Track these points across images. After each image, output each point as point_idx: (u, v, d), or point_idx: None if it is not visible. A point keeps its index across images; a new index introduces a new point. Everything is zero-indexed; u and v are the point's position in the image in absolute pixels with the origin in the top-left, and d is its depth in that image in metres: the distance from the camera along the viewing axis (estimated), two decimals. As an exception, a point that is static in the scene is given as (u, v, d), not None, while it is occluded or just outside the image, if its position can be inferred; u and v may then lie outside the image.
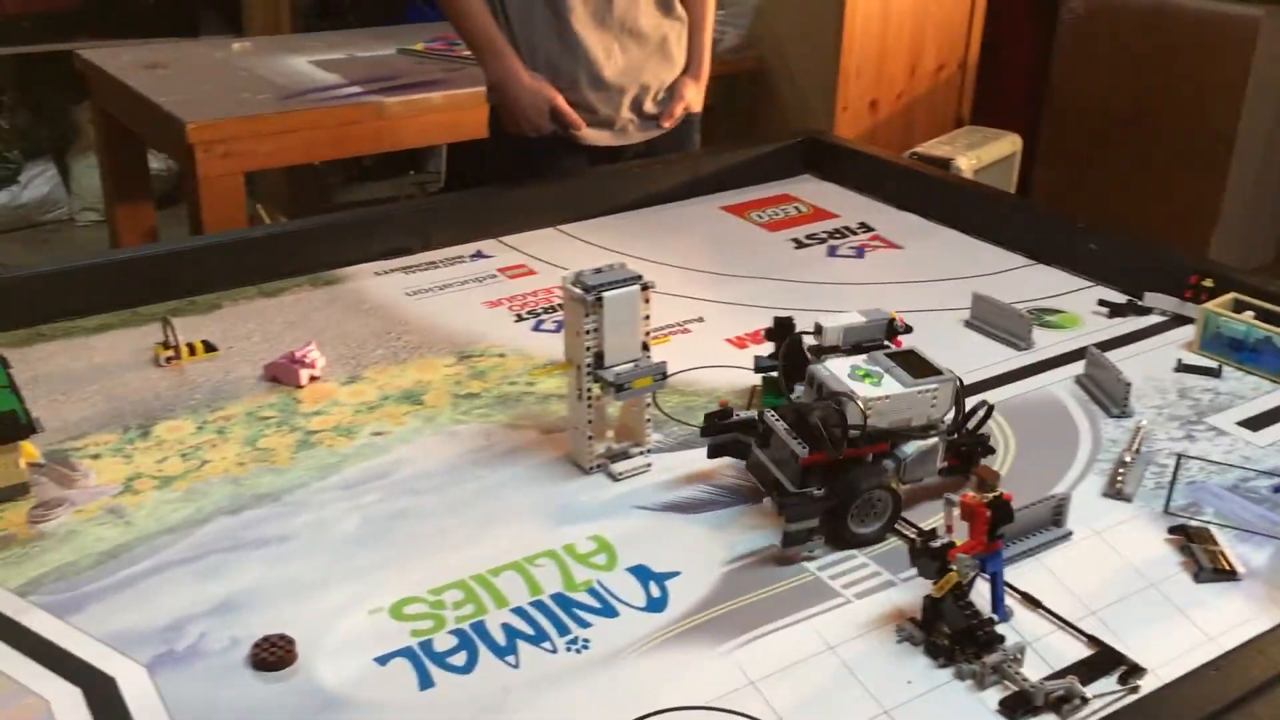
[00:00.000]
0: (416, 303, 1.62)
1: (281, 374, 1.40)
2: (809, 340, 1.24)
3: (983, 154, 2.79)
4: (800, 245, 1.86)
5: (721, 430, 1.18)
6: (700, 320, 1.58)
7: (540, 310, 1.60)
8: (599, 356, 1.20)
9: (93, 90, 3.11)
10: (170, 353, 1.43)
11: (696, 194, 2.04)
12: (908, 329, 1.24)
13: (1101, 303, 1.64)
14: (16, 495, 1.14)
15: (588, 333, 1.18)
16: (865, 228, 1.92)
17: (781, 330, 1.33)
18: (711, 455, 1.19)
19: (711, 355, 1.47)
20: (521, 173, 2.06)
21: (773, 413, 1.13)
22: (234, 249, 1.73)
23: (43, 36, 4.13)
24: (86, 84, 3.11)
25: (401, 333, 1.53)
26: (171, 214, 3.94)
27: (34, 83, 4.34)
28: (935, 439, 1.13)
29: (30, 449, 1.17)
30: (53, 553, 1.08)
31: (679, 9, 2.09)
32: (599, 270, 1.21)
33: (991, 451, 1.20)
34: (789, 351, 1.32)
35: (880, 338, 1.23)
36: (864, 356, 1.16)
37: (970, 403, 1.19)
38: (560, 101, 2.03)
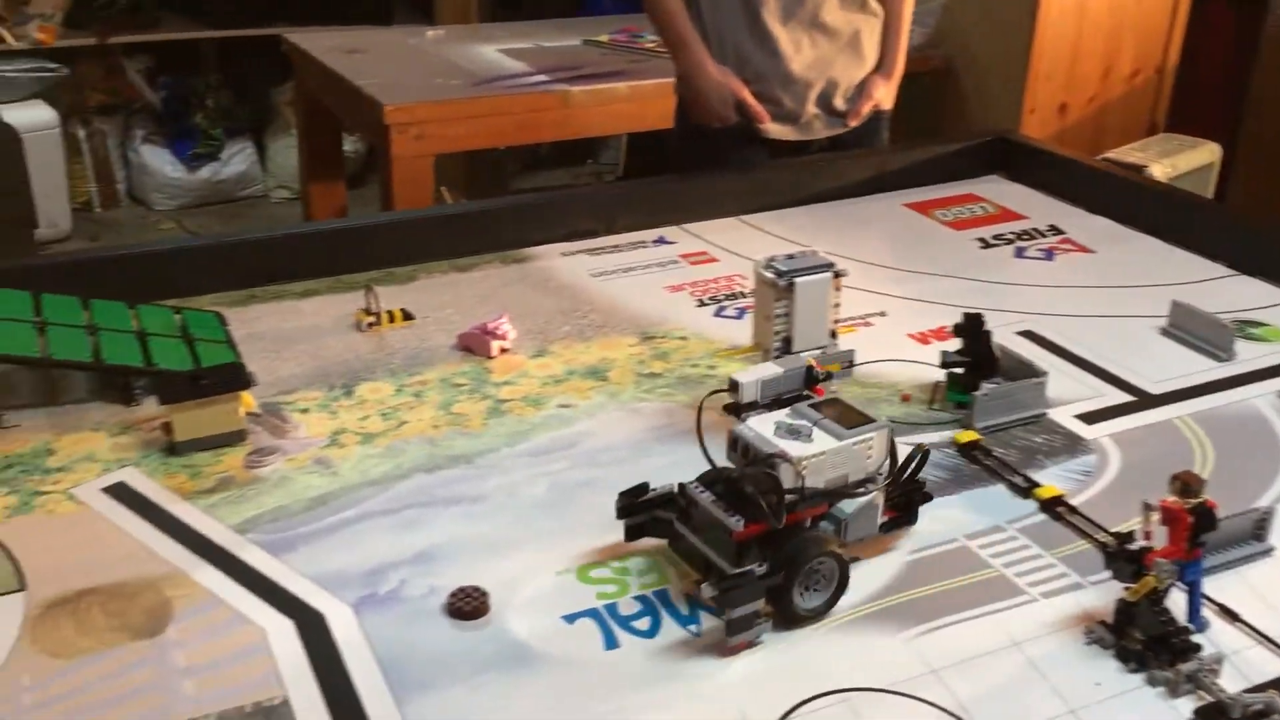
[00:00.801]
0: (601, 284, 1.66)
1: (474, 344, 1.46)
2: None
3: (1178, 162, 2.68)
4: (986, 245, 1.82)
5: (638, 509, 1.05)
6: (883, 314, 1.57)
7: (722, 296, 1.62)
8: (787, 341, 1.21)
9: (296, 72, 3.28)
10: (371, 319, 1.51)
11: (880, 190, 2.02)
12: (828, 376, 1.15)
13: (1310, 317, 1.57)
14: (235, 441, 1.23)
15: (777, 317, 1.20)
16: (1055, 230, 1.87)
17: (971, 327, 1.32)
18: (629, 538, 1.06)
19: (894, 349, 1.46)
20: (704, 163, 2.08)
21: (697, 484, 1.01)
22: (430, 225, 1.80)
23: (246, 21, 4.36)
24: (291, 65, 3.27)
25: (587, 311, 1.57)
26: (357, 195, 4.12)
27: (237, 65, 4.59)
28: (874, 493, 1.02)
29: (249, 399, 1.25)
30: (267, 496, 1.15)
31: (874, 4, 2.07)
32: (791, 256, 1.22)
33: (929, 498, 1.09)
34: (978, 349, 1.31)
35: (799, 388, 1.12)
36: (787, 410, 1.04)
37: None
38: (745, 94, 2.04)
